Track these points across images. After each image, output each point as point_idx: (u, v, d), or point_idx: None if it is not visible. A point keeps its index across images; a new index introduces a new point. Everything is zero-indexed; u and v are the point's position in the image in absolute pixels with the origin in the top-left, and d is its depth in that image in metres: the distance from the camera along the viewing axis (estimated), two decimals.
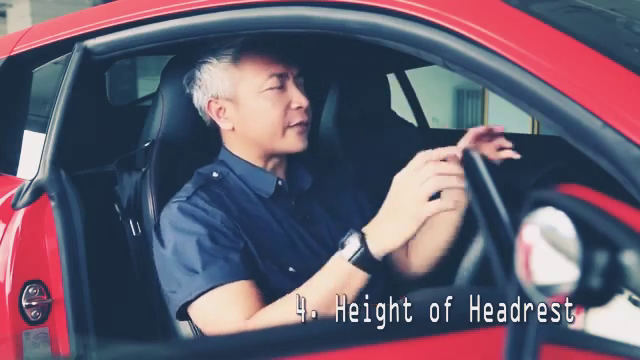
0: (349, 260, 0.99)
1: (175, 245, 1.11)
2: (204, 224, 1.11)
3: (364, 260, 0.98)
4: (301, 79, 1.22)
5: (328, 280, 1.01)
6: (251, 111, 1.19)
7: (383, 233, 0.98)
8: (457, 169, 0.92)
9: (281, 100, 1.18)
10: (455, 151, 0.93)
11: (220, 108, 1.22)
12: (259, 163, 1.23)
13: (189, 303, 1.08)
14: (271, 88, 1.17)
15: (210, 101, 1.22)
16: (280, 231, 1.19)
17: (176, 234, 1.12)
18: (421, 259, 1.26)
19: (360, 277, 0.99)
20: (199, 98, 1.24)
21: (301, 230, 1.21)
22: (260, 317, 1.04)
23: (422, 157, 0.96)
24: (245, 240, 1.12)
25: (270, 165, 1.23)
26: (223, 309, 1.06)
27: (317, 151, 1.76)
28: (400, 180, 0.98)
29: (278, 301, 1.05)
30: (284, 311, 1.02)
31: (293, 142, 1.19)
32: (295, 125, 1.18)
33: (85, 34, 1.31)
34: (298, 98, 1.18)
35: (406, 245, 1.25)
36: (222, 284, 1.06)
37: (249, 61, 1.19)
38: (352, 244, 0.99)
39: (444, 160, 0.95)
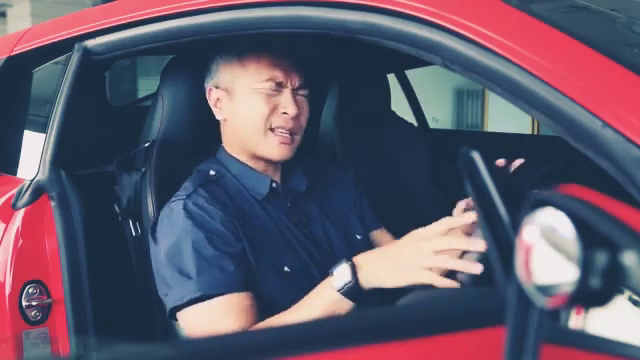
0: (339, 290, 1.01)
1: (171, 247, 1.11)
2: (202, 227, 1.10)
3: (352, 291, 1.00)
4: (303, 91, 1.23)
5: (316, 306, 1.03)
6: (241, 105, 1.21)
7: (375, 273, 1.00)
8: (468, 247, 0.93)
9: (271, 101, 1.19)
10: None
11: (218, 98, 1.24)
12: (252, 163, 1.24)
13: (179, 307, 1.09)
14: (264, 90, 1.19)
15: (210, 89, 1.25)
16: (275, 231, 1.19)
17: (173, 236, 1.12)
18: None
19: (347, 305, 1.01)
20: (205, 85, 1.27)
21: (295, 231, 1.21)
22: None
23: (446, 224, 0.96)
24: (242, 243, 1.12)
25: (262, 166, 1.24)
26: (215, 321, 1.06)
27: (317, 151, 1.76)
28: (414, 237, 0.98)
29: (266, 321, 1.06)
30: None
31: (272, 148, 1.19)
32: (277, 129, 1.19)
33: (85, 34, 1.31)
34: (287, 103, 1.19)
35: None
36: (215, 295, 1.07)
37: (253, 60, 1.21)
38: (343, 275, 1.01)
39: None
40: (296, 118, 1.20)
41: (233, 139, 1.25)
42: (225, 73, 1.23)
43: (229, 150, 1.26)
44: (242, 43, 1.21)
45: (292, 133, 1.20)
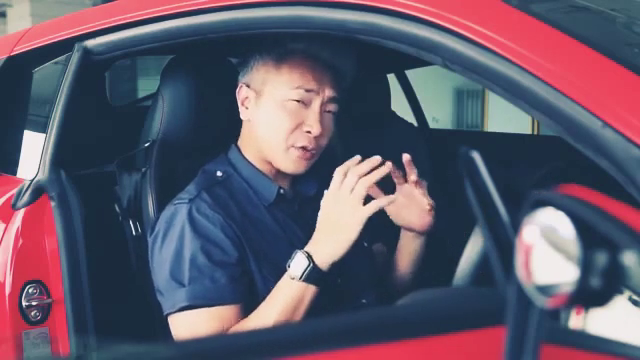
0: (300, 279, 1.05)
1: (168, 252, 1.11)
2: (201, 235, 1.10)
3: (313, 275, 1.05)
4: (332, 106, 1.20)
5: (283, 301, 1.06)
6: (267, 112, 1.18)
7: (326, 247, 1.06)
8: (371, 165, 1.05)
9: (296, 117, 1.16)
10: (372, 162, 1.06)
11: (246, 97, 1.22)
12: (264, 168, 1.22)
13: (170, 313, 1.10)
14: (292, 100, 1.16)
15: (241, 86, 1.23)
16: (281, 235, 1.18)
17: (171, 241, 1.12)
18: (404, 274, 1.30)
19: (312, 291, 1.06)
20: (238, 79, 1.25)
21: (302, 235, 1.20)
22: None
23: (339, 171, 1.07)
24: (242, 250, 1.12)
25: (274, 172, 1.22)
26: (199, 332, 1.07)
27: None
28: (329, 198, 1.07)
29: (237, 326, 1.08)
30: None
31: (290, 163, 1.18)
32: (299, 147, 1.17)
33: (85, 34, 1.30)
34: (312, 122, 1.16)
35: (395, 259, 1.30)
36: (203, 306, 1.07)
37: (288, 67, 1.18)
38: (300, 264, 1.05)
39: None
40: (318, 138, 1.17)
41: (251, 142, 1.22)
42: (259, 74, 1.20)
43: (244, 151, 1.24)
44: (284, 46, 1.19)
45: (312, 151, 1.18)
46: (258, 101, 1.20)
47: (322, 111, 1.18)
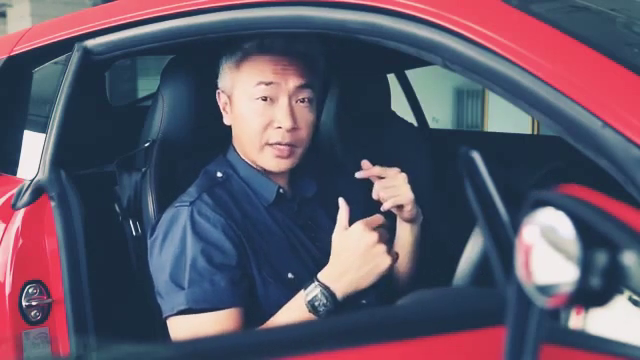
0: (318, 314, 1.04)
1: (169, 255, 1.11)
2: (202, 238, 1.10)
3: (331, 312, 1.04)
4: (304, 94, 1.17)
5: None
6: (239, 115, 1.19)
7: (347, 288, 1.05)
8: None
9: (266, 114, 1.15)
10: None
11: (225, 102, 1.23)
12: (259, 167, 1.22)
13: (169, 316, 1.10)
14: (259, 98, 1.15)
15: (219, 92, 1.24)
16: (281, 236, 1.18)
17: (172, 244, 1.11)
18: (402, 269, 1.29)
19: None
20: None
21: (301, 236, 1.20)
22: None
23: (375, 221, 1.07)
24: (243, 250, 1.11)
25: (269, 171, 1.22)
26: (198, 335, 1.06)
27: (317, 152, 1.76)
28: (357, 235, 1.05)
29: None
30: None
31: (268, 161, 1.17)
32: (274, 144, 1.15)
33: (85, 34, 1.31)
34: (281, 117, 1.14)
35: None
36: (202, 309, 1.07)
37: (246, 66, 1.18)
38: (321, 300, 1.04)
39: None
40: (293, 131, 1.15)
41: (239, 144, 1.23)
42: (227, 78, 1.21)
43: (239, 151, 1.24)
44: (241, 47, 1.19)
45: (291, 145, 1.16)
46: (232, 105, 1.21)
47: (292, 103, 1.16)
